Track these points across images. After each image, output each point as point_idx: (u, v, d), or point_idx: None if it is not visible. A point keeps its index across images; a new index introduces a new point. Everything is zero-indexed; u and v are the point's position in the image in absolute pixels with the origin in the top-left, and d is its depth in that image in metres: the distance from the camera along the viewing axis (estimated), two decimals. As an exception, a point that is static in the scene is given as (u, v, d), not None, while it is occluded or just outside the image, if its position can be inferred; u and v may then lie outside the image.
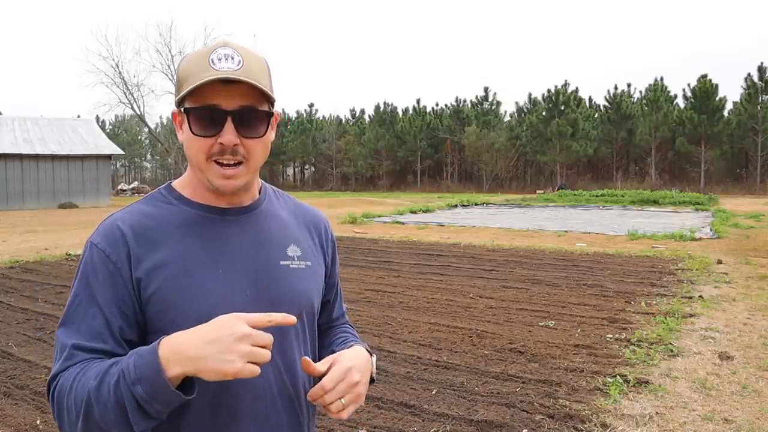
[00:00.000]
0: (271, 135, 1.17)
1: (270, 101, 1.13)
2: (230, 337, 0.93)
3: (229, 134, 1.07)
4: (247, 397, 1.11)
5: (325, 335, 1.37)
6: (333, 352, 1.22)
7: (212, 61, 1.06)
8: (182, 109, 1.10)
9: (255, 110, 1.09)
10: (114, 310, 1.06)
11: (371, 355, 1.23)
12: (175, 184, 1.21)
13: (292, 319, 1.01)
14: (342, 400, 1.07)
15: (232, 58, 1.06)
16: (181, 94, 1.08)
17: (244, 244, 1.16)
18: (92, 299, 1.07)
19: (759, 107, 41.50)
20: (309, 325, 1.24)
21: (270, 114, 1.13)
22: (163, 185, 1.23)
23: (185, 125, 1.10)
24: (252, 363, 0.94)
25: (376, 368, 1.25)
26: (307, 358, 1.09)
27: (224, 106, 1.07)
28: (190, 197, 1.17)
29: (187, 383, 0.97)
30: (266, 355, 0.95)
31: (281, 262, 1.19)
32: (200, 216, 1.15)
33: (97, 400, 0.96)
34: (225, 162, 1.09)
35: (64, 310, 1.10)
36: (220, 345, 0.92)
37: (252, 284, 1.14)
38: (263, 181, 1.29)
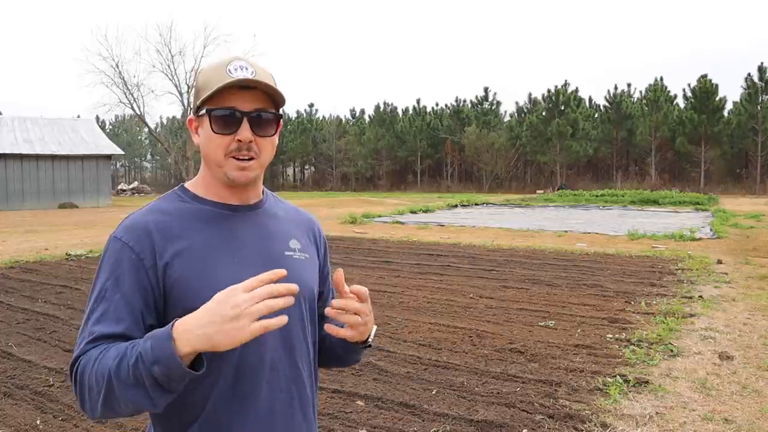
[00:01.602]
0: (277, 137, 1.32)
1: (277, 107, 1.29)
2: (227, 308, 1.02)
3: (245, 131, 1.23)
4: (264, 369, 1.24)
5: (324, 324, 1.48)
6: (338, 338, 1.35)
7: (229, 71, 1.22)
8: (204, 111, 1.25)
9: (267, 113, 1.26)
10: (137, 295, 1.18)
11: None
12: (188, 185, 1.35)
13: (282, 272, 1.10)
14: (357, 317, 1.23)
15: (246, 69, 1.23)
16: (203, 97, 1.23)
17: (253, 236, 1.31)
18: (117, 287, 1.18)
19: (759, 107, 41.51)
20: (310, 311, 1.36)
21: (279, 116, 1.29)
22: (177, 187, 1.37)
23: (205, 125, 1.25)
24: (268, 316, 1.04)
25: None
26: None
27: (241, 107, 1.23)
28: (204, 196, 1.31)
29: (199, 360, 1.07)
30: (274, 305, 1.04)
31: (285, 253, 1.34)
32: (214, 212, 1.30)
33: (117, 377, 1.06)
34: (241, 157, 1.25)
35: (91, 302, 1.20)
36: (222, 317, 1.02)
37: (262, 271, 1.26)
38: (263, 186, 1.42)
